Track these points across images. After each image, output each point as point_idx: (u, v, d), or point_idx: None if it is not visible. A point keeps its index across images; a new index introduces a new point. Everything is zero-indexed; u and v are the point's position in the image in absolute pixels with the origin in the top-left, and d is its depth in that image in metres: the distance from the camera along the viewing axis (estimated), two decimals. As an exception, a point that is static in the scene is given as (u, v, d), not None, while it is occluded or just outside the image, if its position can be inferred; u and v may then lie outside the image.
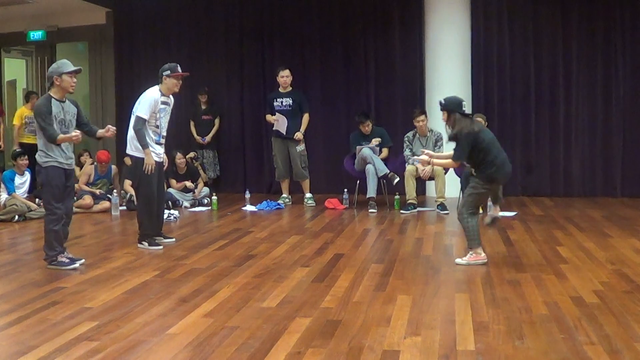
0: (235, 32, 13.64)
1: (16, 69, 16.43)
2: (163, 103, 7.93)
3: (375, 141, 10.94)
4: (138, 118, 7.79)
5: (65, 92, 6.84)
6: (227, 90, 13.71)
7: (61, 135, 6.67)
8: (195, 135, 13.02)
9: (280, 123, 11.30)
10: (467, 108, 6.94)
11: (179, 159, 11.54)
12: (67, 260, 6.79)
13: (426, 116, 10.68)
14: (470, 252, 6.77)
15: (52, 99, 6.73)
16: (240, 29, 13.62)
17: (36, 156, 6.84)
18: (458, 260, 6.78)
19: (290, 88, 11.50)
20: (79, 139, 6.85)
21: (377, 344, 4.34)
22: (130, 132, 7.88)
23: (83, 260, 6.97)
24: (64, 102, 6.84)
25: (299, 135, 11.32)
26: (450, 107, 6.78)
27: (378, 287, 5.87)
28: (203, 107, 13.16)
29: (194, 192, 11.63)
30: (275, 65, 12.22)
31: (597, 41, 12.02)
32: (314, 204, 11.30)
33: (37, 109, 6.73)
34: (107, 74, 14.82)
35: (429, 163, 7.28)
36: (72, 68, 6.82)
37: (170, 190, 11.06)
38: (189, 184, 11.63)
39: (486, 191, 6.84)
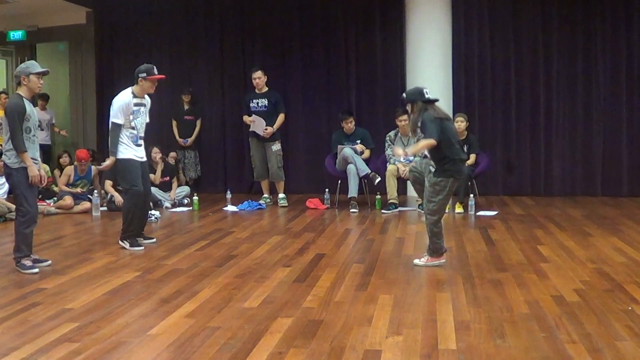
0: (215, 33, 13.62)
1: (-4, 69, 16.33)
2: (136, 105, 7.86)
3: (360, 147, 10.95)
4: (112, 124, 7.77)
5: (32, 92, 6.80)
6: (208, 91, 13.69)
7: (28, 158, 6.56)
8: (177, 136, 12.97)
9: (256, 124, 11.24)
10: (431, 95, 6.78)
11: (155, 152, 11.39)
12: (29, 264, 6.69)
13: (409, 116, 10.66)
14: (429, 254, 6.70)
15: (24, 99, 6.67)
16: (220, 30, 13.60)
17: (3, 157, 6.76)
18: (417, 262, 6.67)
19: (267, 88, 11.44)
20: (35, 180, 6.66)
21: (358, 344, 4.34)
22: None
23: (49, 262, 6.94)
24: (30, 102, 6.79)
25: (269, 129, 11.22)
26: (412, 97, 6.69)
27: (359, 286, 5.87)
28: (186, 107, 13.10)
29: (170, 193, 11.60)
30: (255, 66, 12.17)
31: (577, 41, 12.09)
32: (286, 205, 11.29)
33: (11, 108, 6.63)
34: (87, 74, 14.76)
35: (406, 154, 7.08)
36: (40, 69, 6.77)
37: (152, 190, 10.98)
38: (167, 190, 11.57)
39: (450, 190, 6.61)
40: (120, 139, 7.74)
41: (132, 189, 7.83)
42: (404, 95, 6.85)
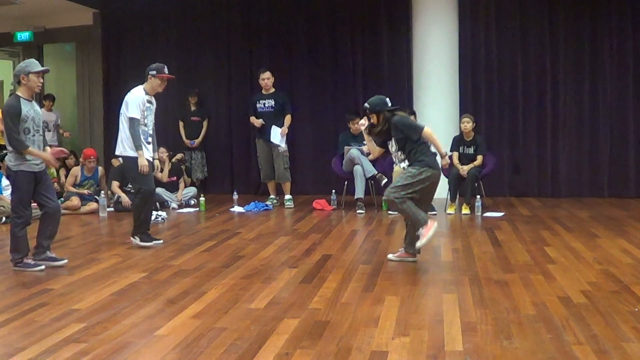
0: (222, 33, 13.64)
1: (3, 70, 16.40)
2: (148, 102, 7.96)
3: (366, 148, 10.94)
4: (132, 119, 7.80)
5: (31, 91, 6.78)
6: (215, 92, 13.72)
7: (32, 150, 6.58)
8: (184, 138, 13.01)
9: (275, 137, 11.20)
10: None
11: (161, 152, 11.35)
12: (32, 262, 6.76)
13: (415, 117, 10.68)
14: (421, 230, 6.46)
15: (21, 99, 6.65)
16: (227, 30, 13.62)
17: (5, 158, 6.80)
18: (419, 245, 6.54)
19: (273, 89, 11.45)
20: (50, 163, 6.78)
21: (365, 345, 4.33)
22: (122, 134, 7.90)
23: (66, 261, 6.96)
24: (31, 101, 6.79)
25: (284, 129, 11.25)
26: (378, 107, 6.70)
27: (366, 287, 5.86)
28: (193, 108, 13.15)
29: (177, 194, 11.60)
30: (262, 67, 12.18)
31: (584, 41, 12.07)
32: (292, 206, 11.33)
33: (5, 110, 6.65)
34: (94, 75, 14.79)
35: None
36: (40, 68, 6.77)
37: (158, 190, 10.98)
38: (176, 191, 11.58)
39: (419, 184, 6.52)
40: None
41: (144, 189, 7.91)
42: (367, 105, 6.79)
